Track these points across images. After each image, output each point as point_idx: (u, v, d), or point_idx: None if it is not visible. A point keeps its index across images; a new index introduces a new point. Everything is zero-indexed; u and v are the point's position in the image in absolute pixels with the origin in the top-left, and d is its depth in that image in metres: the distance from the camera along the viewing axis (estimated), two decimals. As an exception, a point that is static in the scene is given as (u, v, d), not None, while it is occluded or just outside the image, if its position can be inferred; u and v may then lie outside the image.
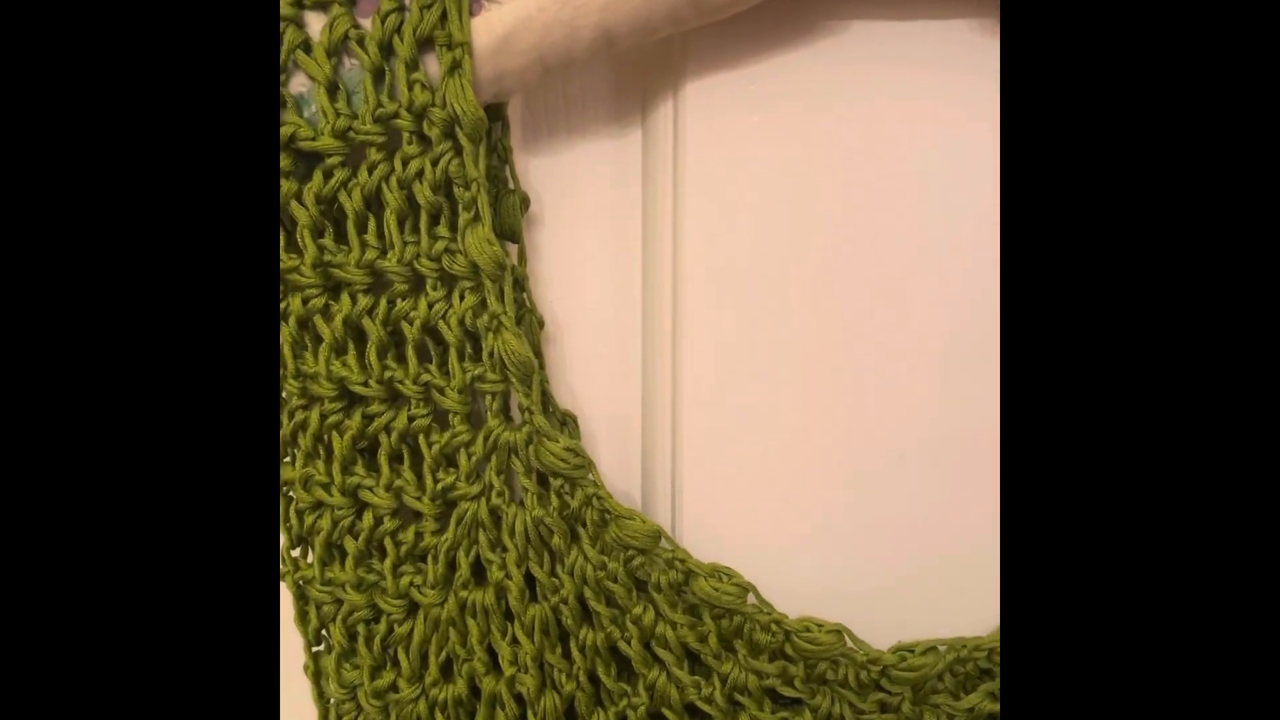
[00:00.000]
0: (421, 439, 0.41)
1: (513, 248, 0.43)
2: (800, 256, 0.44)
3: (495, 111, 0.41)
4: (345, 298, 0.40)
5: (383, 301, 0.40)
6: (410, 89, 0.38)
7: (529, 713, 0.41)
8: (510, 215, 0.42)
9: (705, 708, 0.41)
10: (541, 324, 0.44)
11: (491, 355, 0.40)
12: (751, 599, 0.42)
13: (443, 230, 0.40)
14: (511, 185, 0.42)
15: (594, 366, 0.46)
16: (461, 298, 0.40)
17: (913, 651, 0.41)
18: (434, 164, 0.39)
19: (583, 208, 0.45)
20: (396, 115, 0.38)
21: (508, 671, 0.42)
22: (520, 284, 0.43)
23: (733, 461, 0.46)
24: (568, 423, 0.44)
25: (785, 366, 0.45)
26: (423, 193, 0.39)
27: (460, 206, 0.39)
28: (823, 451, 0.45)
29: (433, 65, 0.38)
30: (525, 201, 0.43)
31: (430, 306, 0.40)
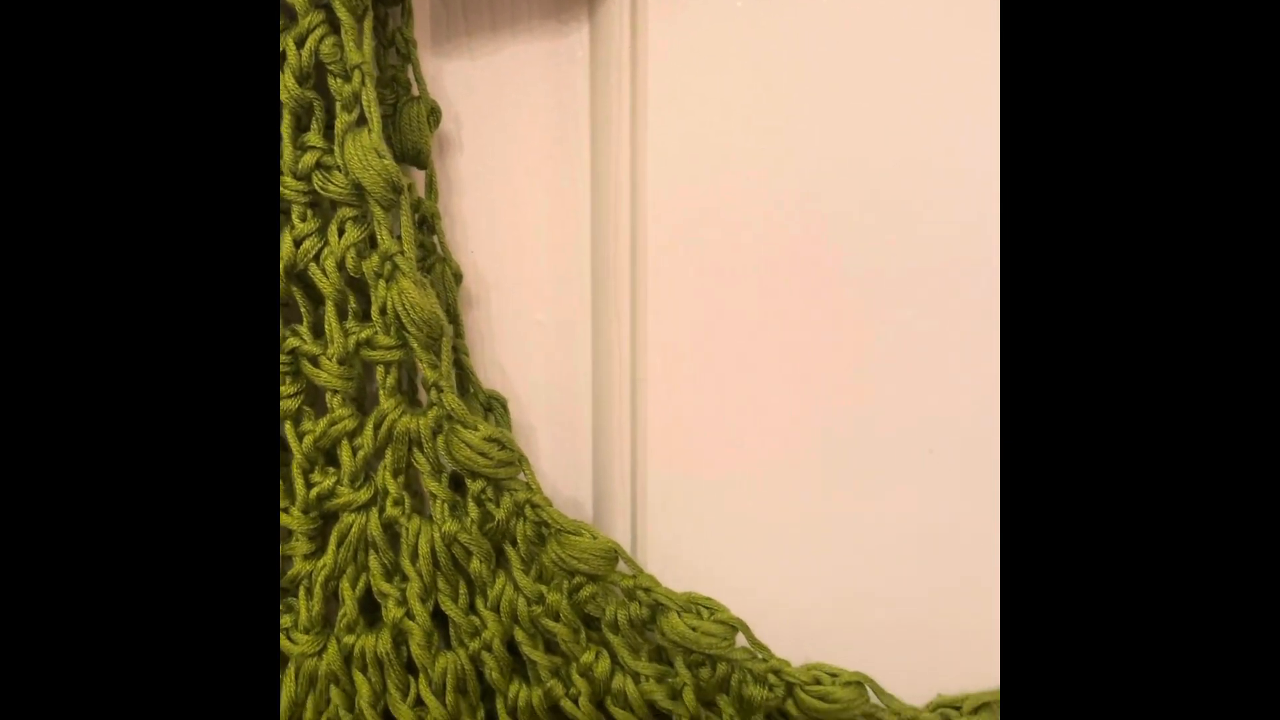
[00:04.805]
0: (288, 428, 0.37)
1: (419, 175, 0.39)
2: (798, 193, 0.40)
3: (392, -13, 0.37)
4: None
5: (231, 238, 0.37)
6: (261, -66, 0.34)
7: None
8: (414, 130, 0.37)
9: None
10: (459, 278, 0.40)
11: (384, 311, 0.36)
12: (741, 640, 0.38)
13: (313, 139, 0.35)
14: (416, 91, 0.38)
15: (531, 337, 0.42)
16: (341, 232, 0.36)
17: (959, 709, 0.39)
18: (298, 44, 0.34)
19: (513, 127, 0.41)
20: (243, -26, 0.35)
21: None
22: (430, 223, 0.38)
23: (708, 459, 0.42)
24: (494, 407, 0.40)
25: (774, 336, 0.41)
26: (284, 84, 0.35)
27: (338, 105, 0.35)
28: (822, 444, 0.41)
29: (292, -105, 0.34)
30: (435, 113, 0.38)
31: (297, 245, 0.36)
